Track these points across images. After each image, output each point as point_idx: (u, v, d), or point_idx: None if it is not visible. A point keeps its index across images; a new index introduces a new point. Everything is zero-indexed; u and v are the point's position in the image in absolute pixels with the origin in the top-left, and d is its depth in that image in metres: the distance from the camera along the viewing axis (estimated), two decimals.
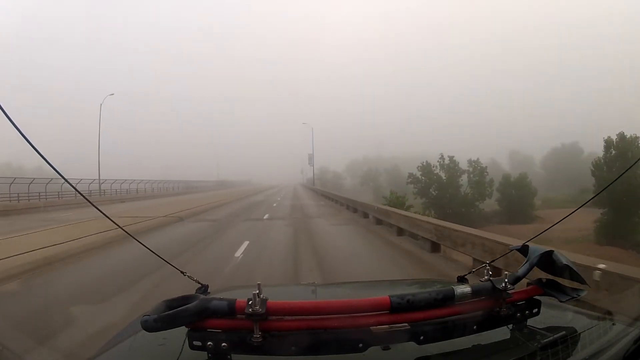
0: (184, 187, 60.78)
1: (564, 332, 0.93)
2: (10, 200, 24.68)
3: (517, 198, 41.87)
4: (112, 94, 34.56)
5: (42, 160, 1.04)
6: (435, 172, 44.29)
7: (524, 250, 1.07)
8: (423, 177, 44.39)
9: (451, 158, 44.77)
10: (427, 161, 45.11)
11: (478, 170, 43.83)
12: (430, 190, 43.66)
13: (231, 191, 52.55)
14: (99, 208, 1.18)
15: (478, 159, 44.93)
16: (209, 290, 1.25)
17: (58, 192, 29.52)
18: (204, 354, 0.81)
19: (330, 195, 28.78)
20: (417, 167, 45.22)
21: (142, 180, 46.17)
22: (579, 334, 0.94)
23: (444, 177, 43.78)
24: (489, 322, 0.91)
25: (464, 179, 43.95)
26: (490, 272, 1.02)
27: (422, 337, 0.85)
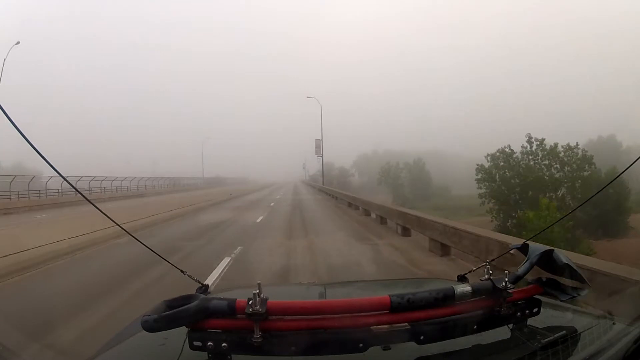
0: (168, 185, 53.42)
1: (564, 332, 0.93)
2: None
3: (610, 201, 25.82)
4: (18, 43, 26.44)
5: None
6: (517, 163, 27.91)
7: (524, 249, 1.07)
8: (500, 172, 28.21)
9: (541, 141, 28.20)
10: (509, 146, 28.43)
11: (579, 161, 27.66)
12: (505, 190, 27.36)
13: (207, 192, 37.46)
14: (97, 206, 1.18)
15: (577, 144, 28.36)
16: (209, 290, 1.25)
17: (39, 191, 27.88)
18: (204, 354, 0.81)
19: (376, 209, 12.80)
20: (486, 157, 29.01)
21: (123, 177, 41.49)
22: (579, 333, 0.94)
23: (534, 171, 27.65)
24: (489, 321, 0.91)
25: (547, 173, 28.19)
26: (490, 272, 1.02)
27: (422, 337, 0.84)
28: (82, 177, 30.87)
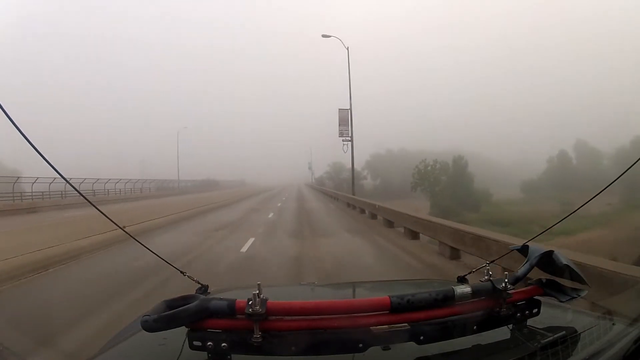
0: (147, 189, 44.78)
1: (564, 332, 0.93)
2: None
3: None
4: None
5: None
6: None
7: (524, 250, 1.07)
8: None
9: None
10: None
11: None
12: None
13: (161, 203, 22.86)
14: (99, 208, 1.18)
15: None
16: (209, 291, 1.26)
17: None
18: (204, 354, 0.81)
19: None
20: None
21: (106, 180, 36.78)
22: (579, 334, 0.94)
23: None
24: (489, 322, 0.92)
25: None
26: (490, 272, 1.03)
27: (422, 337, 0.85)
28: (55, 178, 25.50)
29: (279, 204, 23.54)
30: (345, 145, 23.50)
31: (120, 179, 40.16)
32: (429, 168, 43.01)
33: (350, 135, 23.26)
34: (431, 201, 39.42)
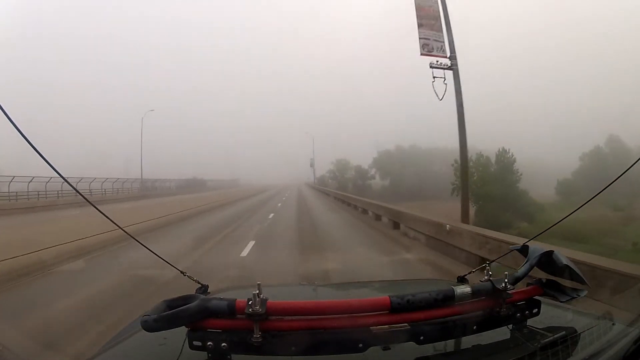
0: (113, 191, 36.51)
1: (564, 332, 0.93)
2: None
3: None
4: None
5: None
6: None
7: (524, 250, 1.07)
8: None
9: None
10: None
11: None
12: None
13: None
14: (99, 208, 1.18)
15: None
16: (209, 290, 1.26)
17: None
18: (204, 354, 0.81)
19: None
20: None
21: (86, 179, 31.40)
22: (579, 334, 0.94)
23: None
24: (489, 322, 0.92)
25: None
26: (490, 272, 1.03)
27: (422, 337, 0.85)
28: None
29: (252, 243, 8.82)
30: (437, 79, 9.48)
31: (82, 178, 32.54)
32: (471, 164, 30.47)
33: (449, 52, 9.67)
34: (476, 207, 30.16)
